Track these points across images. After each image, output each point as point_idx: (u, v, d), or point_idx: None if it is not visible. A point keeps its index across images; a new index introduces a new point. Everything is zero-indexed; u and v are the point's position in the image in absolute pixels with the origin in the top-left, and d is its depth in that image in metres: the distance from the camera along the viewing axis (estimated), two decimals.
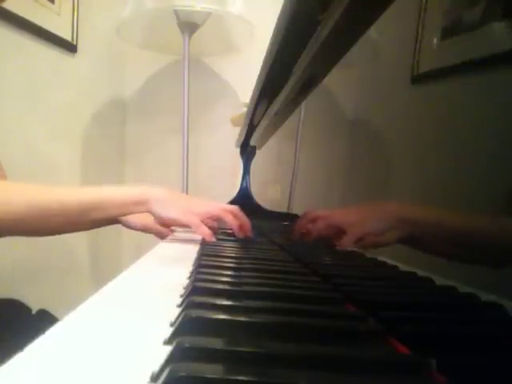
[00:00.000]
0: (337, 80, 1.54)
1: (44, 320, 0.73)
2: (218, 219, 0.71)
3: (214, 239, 0.66)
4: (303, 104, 1.41)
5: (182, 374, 0.16)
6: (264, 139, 1.06)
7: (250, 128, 0.96)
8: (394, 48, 1.38)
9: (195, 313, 0.23)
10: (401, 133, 1.37)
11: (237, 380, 0.17)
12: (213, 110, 1.60)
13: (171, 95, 1.50)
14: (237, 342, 0.20)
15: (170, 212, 0.65)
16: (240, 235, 0.69)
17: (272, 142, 1.13)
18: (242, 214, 0.72)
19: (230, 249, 0.59)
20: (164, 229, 0.79)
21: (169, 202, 0.65)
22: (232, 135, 1.27)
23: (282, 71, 0.56)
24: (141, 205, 0.64)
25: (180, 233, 0.79)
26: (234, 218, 0.69)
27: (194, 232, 0.69)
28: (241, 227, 0.70)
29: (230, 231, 0.76)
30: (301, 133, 1.49)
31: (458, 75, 1.11)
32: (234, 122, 1.23)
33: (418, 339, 0.23)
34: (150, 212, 0.65)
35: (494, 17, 1.00)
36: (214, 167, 1.61)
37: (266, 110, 0.75)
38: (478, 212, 0.75)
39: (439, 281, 0.43)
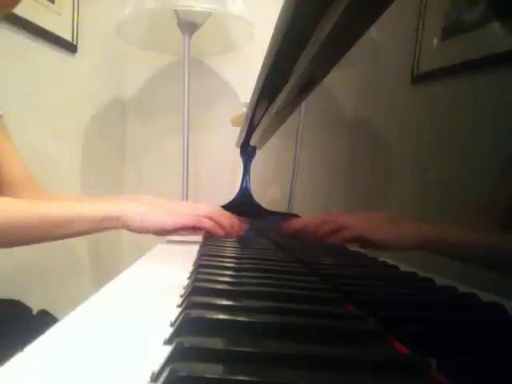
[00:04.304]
0: (337, 80, 1.54)
1: (44, 320, 0.73)
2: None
3: (221, 232, 0.64)
4: (303, 104, 1.41)
5: (182, 374, 0.16)
6: (264, 139, 1.06)
7: (250, 128, 0.96)
8: (394, 48, 1.38)
9: (195, 313, 0.23)
10: (401, 133, 1.37)
11: (237, 380, 0.17)
12: (213, 109, 1.60)
13: (171, 95, 1.50)
14: (237, 342, 0.20)
15: (154, 221, 0.61)
16: (234, 234, 0.67)
17: (272, 142, 1.13)
18: (228, 214, 0.69)
19: (230, 249, 0.59)
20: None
21: (151, 212, 0.61)
22: (232, 135, 1.27)
23: (282, 71, 0.56)
24: (115, 220, 0.59)
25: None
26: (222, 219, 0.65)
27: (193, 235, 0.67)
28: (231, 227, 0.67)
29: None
30: (301, 133, 1.49)
31: (458, 75, 1.11)
32: (234, 122, 1.23)
33: (418, 339, 0.23)
34: (127, 228, 0.60)
35: (493, 17, 0.99)
36: (214, 167, 1.61)
37: (266, 110, 0.75)
38: (479, 212, 0.75)
39: (439, 281, 0.43)
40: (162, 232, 0.63)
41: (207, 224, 0.62)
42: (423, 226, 0.60)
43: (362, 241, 0.61)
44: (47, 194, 0.84)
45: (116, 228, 0.60)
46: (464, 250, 0.56)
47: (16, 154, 0.81)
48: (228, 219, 0.66)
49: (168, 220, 0.61)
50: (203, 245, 0.60)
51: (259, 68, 0.61)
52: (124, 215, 0.59)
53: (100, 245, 1.51)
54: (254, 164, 1.16)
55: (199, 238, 0.70)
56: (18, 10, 1.07)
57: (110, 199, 0.79)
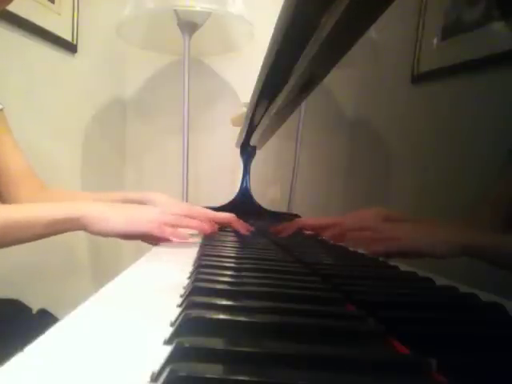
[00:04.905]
0: (337, 80, 1.54)
1: (44, 320, 0.73)
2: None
3: (186, 236, 0.62)
4: (303, 104, 1.41)
5: (182, 374, 0.16)
6: (264, 139, 1.06)
7: (250, 128, 0.96)
8: (394, 48, 1.38)
9: (195, 313, 0.23)
10: (401, 133, 1.37)
11: (237, 380, 0.17)
12: (213, 109, 1.60)
13: (171, 95, 1.50)
14: (237, 342, 0.20)
15: (115, 225, 0.59)
16: (204, 232, 0.65)
17: (272, 141, 1.13)
18: (198, 211, 0.68)
19: (229, 249, 0.59)
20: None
21: (109, 216, 0.59)
22: (232, 135, 1.27)
23: (282, 71, 0.56)
24: (70, 223, 0.58)
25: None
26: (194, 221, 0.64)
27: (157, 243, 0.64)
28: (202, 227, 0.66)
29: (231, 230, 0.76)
30: (301, 133, 1.49)
31: (458, 75, 1.11)
32: (234, 122, 1.23)
33: (418, 339, 0.23)
34: (86, 230, 0.59)
35: (494, 17, 0.99)
36: (214, 167, 1.61)
37: (266, 110, 0.75)
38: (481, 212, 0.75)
39: (439, 281, 0.43)
40: (123, 237, 0.62)
41: (169, 233, 0.61)
42: (463, 230, 0.59)
43: (405, 253, 0.59)
44: (50, 192, 0.83)
45: (74, 230, 0.59)
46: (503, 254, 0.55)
47: (16, 149, 0.80)
48: (193, 221, 0.65)
49: (128, 226, 0.60)
50: (203, 245, 0.60)
51: (259, 68, 0.61)
52: (83, 217, 0.58)
53: (100, 245, 1.51)
54: (254, 164, 1.16)
55: (199, 238, 0.70)
56: (18, 10, 1.07)
57: (110, 195, 0.79)
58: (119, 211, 0.61)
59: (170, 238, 0.62)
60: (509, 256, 0.54)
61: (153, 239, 0.64)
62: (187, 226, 0.64)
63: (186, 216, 0.66)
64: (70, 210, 0.58)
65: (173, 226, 0.62)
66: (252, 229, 0.78)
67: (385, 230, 0.62)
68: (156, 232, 0.60)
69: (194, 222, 0.65)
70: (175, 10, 1.25)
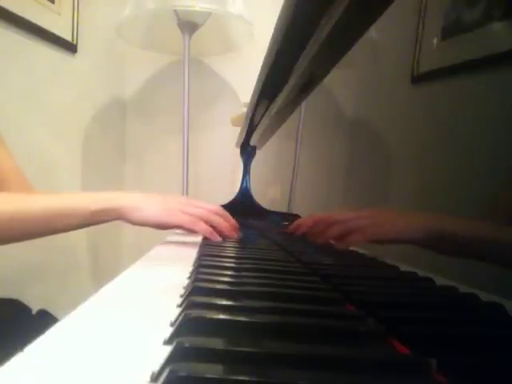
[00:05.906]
0: (337, 80, 1.54)
1: (44, 320, 0.73)
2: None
3: (217, 237, 0.63)
4: (303, 104, 1.41)
5: (182, 373, 0.16)
6: (264, 139, 1.06)
7: (250, 128, 0.96)
8: (394, 48, 1.38)
9: (195, 313, 0.23)
10: (401, 133, 1.37)
11: (237, 380, 0.17)
12: (213, 109, 1.60)
13: (171, 95, 1.50)
14: (237, 342, 0.20)
15: (152, 216, 0.60)
16: (230, 236, 0.65)
17: (272, 141, 1.13)
18: (227, 214, 0.68)
19: (230, 249, 0.59)
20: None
21: (146, 205, 0.60)
22: (232, 135, 1.27)
23: (282, 71, 0.56)
24: (109, 213, 0.59)
25: (178, 235, 0.79)
26: (222, 220, 0.65)
27: (190, 234, 0.65)
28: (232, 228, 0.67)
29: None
30: (301, 133, 1.49)
31: (458, 75, 1.11)
32: (234, 122, 1.23)
33: (418, 339, 0.23)
34: (124, 220, 0.60)
35: (494, 17, 0.99)
36: (214, 167, 1.61)
37: (266, 110, 0.75)
38: (478, 213, 0.75)
39: (439, 281, 0.43)
40: (158, 227, 0.63)
41: (203, 229, 0.62)
42: (435, 216, 0.60)
43: (375, 241, 0.60)
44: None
45: (110, 220, 0.60)
46: (479, 244, 0.55)
47: (3, 147, 0.79)
48: (224, 222, 0.65)
49: (165, 217, 0.61)
50: (203, 245, 0.60)
51: (259, 68, 0.61)
52: (122, 207, 0.59)
53: (100, 245, 1.51)
54: (254, 164, 1.16)
55: (199, 238, 0.70)
56: (18, 10, 1.07)
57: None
58: (156, 201, 0.62)
59: (203, 234, 0.63)
60: (482, 240, 0.54)
61: (185, 230, 0.65)
62: (220, 227, 0.64)
63: (216, 215, 0.66)
64: (107, 201, 0.59)
65: (206, 222, 0.63)
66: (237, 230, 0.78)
67: (361, 218, 0.63)
68: (189, 226, 0.61)
69: (227, 227, 0.65)
70: (175, 10, 1.25)
